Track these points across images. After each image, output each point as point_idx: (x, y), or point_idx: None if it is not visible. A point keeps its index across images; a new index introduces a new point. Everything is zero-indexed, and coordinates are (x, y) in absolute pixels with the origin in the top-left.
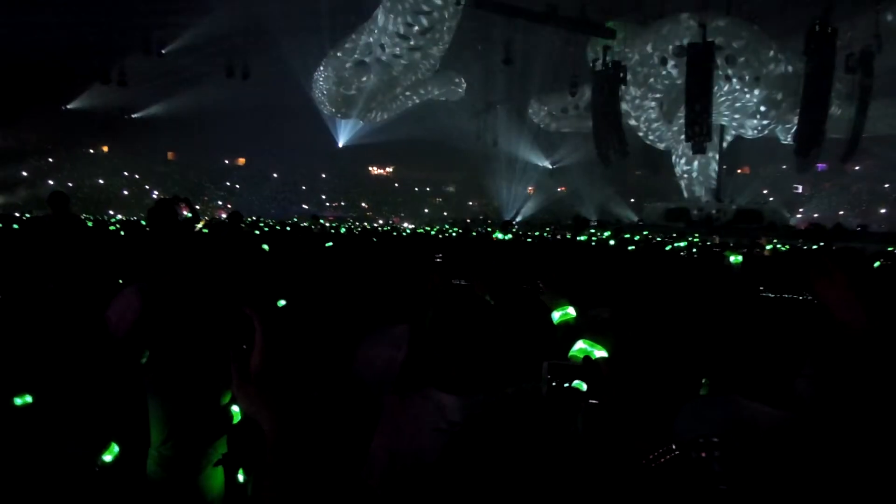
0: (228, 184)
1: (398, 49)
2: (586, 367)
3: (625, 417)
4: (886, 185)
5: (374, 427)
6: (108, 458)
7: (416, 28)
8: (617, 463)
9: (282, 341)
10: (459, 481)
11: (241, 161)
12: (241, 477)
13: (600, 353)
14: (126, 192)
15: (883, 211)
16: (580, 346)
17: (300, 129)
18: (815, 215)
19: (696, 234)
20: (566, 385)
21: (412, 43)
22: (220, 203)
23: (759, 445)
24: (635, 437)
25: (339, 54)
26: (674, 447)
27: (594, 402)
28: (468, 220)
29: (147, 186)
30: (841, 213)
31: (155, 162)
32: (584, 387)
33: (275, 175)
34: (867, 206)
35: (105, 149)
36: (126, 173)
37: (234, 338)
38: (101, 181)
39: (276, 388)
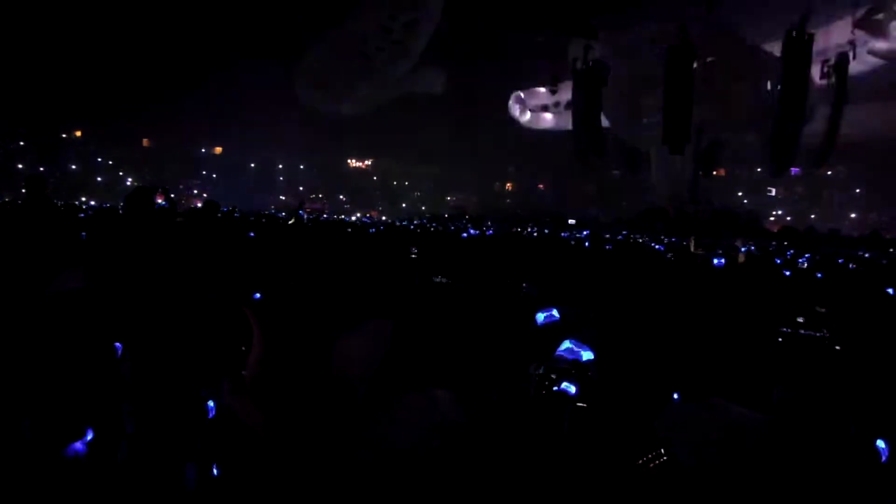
0: (205, 173)
1: (380, 42)
2: (574, 369)
3: (611, 420)
4: (857, 190)
5: (355, 422)
6: (79, 445)
7: (399, 21)
8: (604, 464)
9: (280, 343)
10: (461, 477)
11: (218, 150)
12: (214, 471)
13: (587, 354)
14: (99, 179)
15: (853, 215)
16: (567, 345)
17: (279, 120)
18: (788, 218)
19: (673, 237)
20: (553, 388)
21: (394, 36)
22: (195, 192)
23: (747, 449)
24: (621, 439)
25: (321, 46)
26: (662, 451)
27: (582, 405)
28: (446, 216)
29: (121, 173)
30: (812, 216)
31: (129, 148)
32: (572, 389)
33: (252, 165)
34: (839, 210)
35: (78, 133)
36: (100, 159)
37: (226, 336)
38: (73, 167)
39: (272, 393)
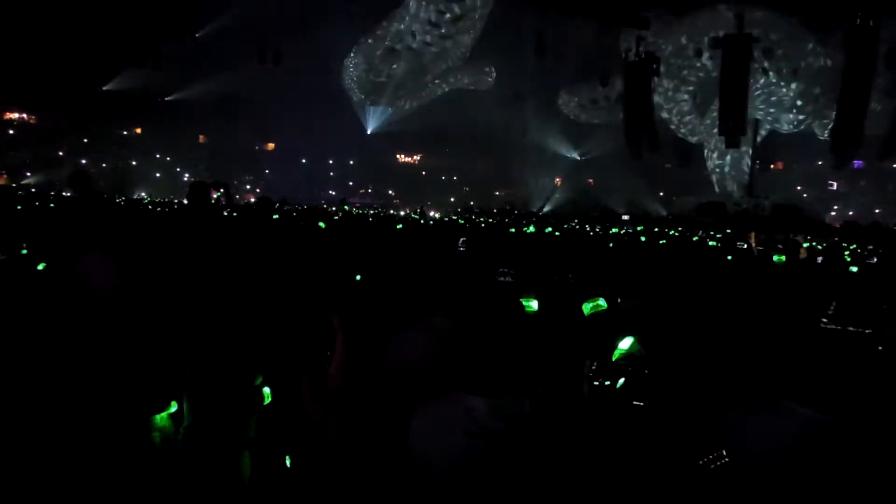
0: (257, 168)
1: (429, 37)
2: (631, 366)
3: (670, 419)
4: None
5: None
6: (164, 416)
7: (448, 16)
8: (664, 465)
9: (365, 350)
10: (503, 487)
11: (271, 146)
12: (287, 462)
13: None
14: (157, 175)
15: None
16: (628, 342)
17: (330, 115)
18: (851, 213)
19: (729, 230)
20: (608, 384)
21: (443, 31)
22: (248, 187)
23: (815, 451)
24: (681, 440)
25: (370, 41)
26: (724, 453)
27: (638, 403)
28: (495, 210)
29: (178, 169)
30: (877, 211)
31: (186, 145)
32: (630, 389)
33: (303, 161)
34: None
35: (138, 130)
36: (157, 155)
37: (310, 342)
38: (133, 162)
39: (353, 403)
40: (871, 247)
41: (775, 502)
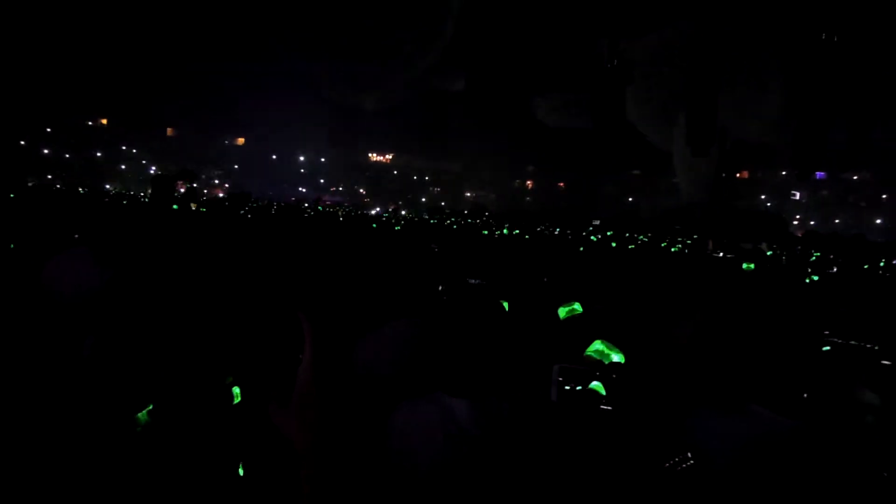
0: (226, 163)
1: (403, 36)
2: (599, 371)
3: (638, 422)
4: (884, 196)
5: (380, 427)
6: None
7: (423, 16)
8: (631, 467)
9: (334, 354)
10: (483, 487)
11: (241, 141)
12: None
13: (616, 356)
14: (123, 167)
15: (879, 221)
16: (597, 347)
17: (301, 113)
18: (812, 223)
19: (696, 236)
20: (577, 389)
21: (417, 31)
22: (216, 182)
23: (776, 457)
24: (648, 443)
25: (345, 39)
26: (689, 455)
27: (607, 407)
28: (466, 211)
29: (144, 162)
30: (837, 221)
31: (154, 137)
32: (599, 392)
33: (273, 157)
34: (864, 216)
35: (104, 121)
36: (123, 147)
37: (280, 343)
38: (98, 154)
39: (321, 409)
40: (831, 256)
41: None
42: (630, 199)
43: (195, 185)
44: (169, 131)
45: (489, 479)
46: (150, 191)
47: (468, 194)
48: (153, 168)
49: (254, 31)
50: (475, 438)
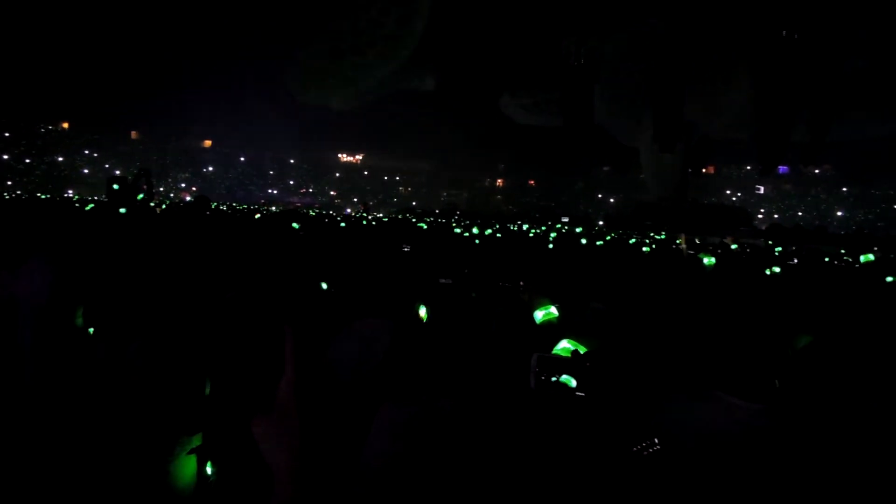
0: (194, 166)
1: (372, 36)
2: (574, 360)
3: (609, 409)
4: (844, 189)
5: (353, 428)
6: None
7: (391, 16)
8: (601, 452)
9: (315, 366)
10: (463, 480)
11: (208, 143)
12: (209, 469)
13: (584, 349)
14: (86, 171)
15: (840, 213)
16: (564, 344)
17: (270, 115)
18: (776, 216)
19: (663, 233)
20: (554, 378)
21: (386, 31)
22: (183, 185)
23: (746, 438)
24: (618, 428)
25: (312, 39)
26: (656, 440)
27: (581, 394)
28: (437, 211)
29: (107, 166)
30: (800, 213)
31: (117, 141)
32: (573, 381)
33: (241, 159)
34: (825, 208)
35: (65, 125)
36: (86, 152)
37: (259, 352)
38: (60, 159)
39: (301, 422)
40: (793, 247)
41: (709, 486)
42: (600, 196)
43: (150, 185)
44: (133, 134)
45: (469, 476)
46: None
47: (444, 195)
48: (118, 172)
49: (220, 33)
50: (459, 434)
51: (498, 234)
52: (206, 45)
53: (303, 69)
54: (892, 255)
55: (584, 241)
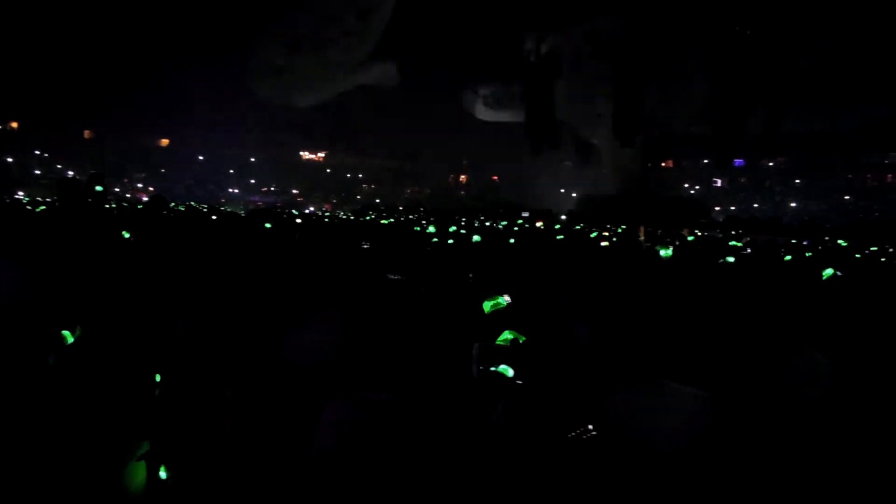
0: (151, 165)
1: (333, 32)
2: (513, 349)
3: (548, 398)
4: (797, 181)
5: (309, 413)
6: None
7: (353, 11)
8: (538, 438)
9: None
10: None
11: (165, 142)
12: (163, 473)
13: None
14: (38, 172)
15: (793, 205)
16: (506, 335)
17: (229, 112)
18: (732, 208)
19: (623, 226)
20: (493, 369)
21: (347, 26)
22: (140, 185)
23: (682, 424)
24: (556, 416)
25: (272, 35)
26: (591, 427)
27: (519, 382)
28: (401, 207)
29: (59, 166)
30: (755, 205)
31: (70, 140)
32: (510, 371)
33: (200, 157)
34: (780, 200)
35: (14, 125)
36: (37, 152)
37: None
38: (9, 159)
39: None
40: (748, 238)
41: (658, 471)
42: (563, 191)
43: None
44: (86, 133)
45: (408, 468)
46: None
47: (408, 191)
48: (70, 172)
49: (175, 28)
50: (398, 430)
51: (462, 231)
52: (161, 41)
53: (262, 65)
54: (840, 244)
55: (543, 235)
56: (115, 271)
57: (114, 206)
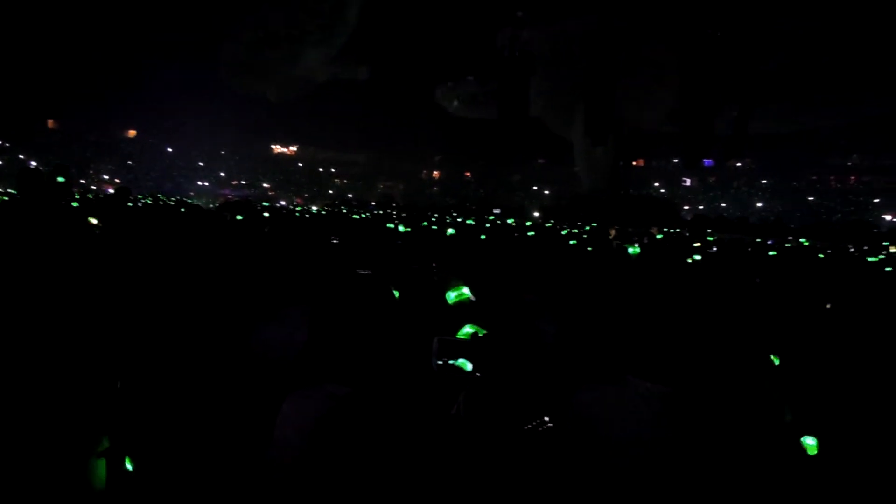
0: (118, 157)
1: (306, 25)
2: (473, 343)
3: (506, 391)
4: (764, 181)
5: (273, 409)
6: None
7: (327, 3)
8: (495, 430)
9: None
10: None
11: (132, 133)
12: (129, 465)
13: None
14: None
15: (760, 204)
16: (466, 329)
17: (198, 103)
18: (701, 207)
19: (595, 223)
20: (452, 362)
21: (321, 19)
22: (106, 178)
23: (645, 419)
24: (514, 409)
25: (245, 27)
26: (546, 419)
27: (478, 374)
28: (373, 203)
29: (22, 156)
30: (723, 205)
31: (33, 130)
32: (469, 365)
33: (169, 150)
34: (747, 200)
35: None
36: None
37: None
38: None
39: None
40: (716, 237)
41: (618, 464)
42: (535, 188)
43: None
44: (50, 123)
45: (369, 464)
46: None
47: (381, 186)
48: (33, 163)
49: (145, 17)
50: (357, 422)
51: (434, 227)
52: (130, 30)
53: (234, 57)
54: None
55: (515, 232)
56: (75, 265)
57: (77, 197)
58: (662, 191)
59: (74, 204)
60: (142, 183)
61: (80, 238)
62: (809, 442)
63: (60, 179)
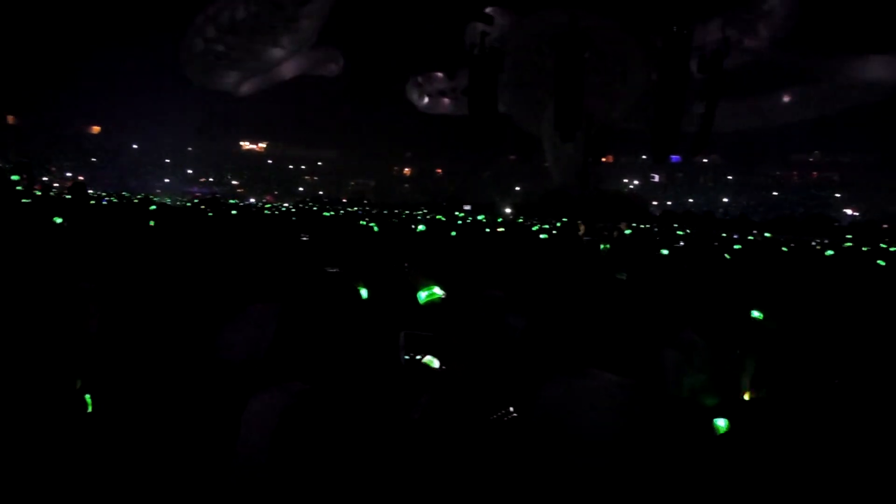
0: (80, 153)
1: (272, 18)
2: (438, 337)
3: (472, 382)
4: (730, 177)
5: (241, 409)
6: None
7: None
8: (461, 421)
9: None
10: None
11: (96, 129)
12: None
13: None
14: None
15: (725, 200)
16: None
17: (164, 99)
18: (669, 203)
19: (565, 219)
20: (419, 357)
21: (287, 12)
22: (69, 174)
23: (606, 411)
24: (479, 400)
25: (208, 19)
26: (511, 409)
27: (443, 367)
28: (345, 200)
29: None
30: (690, 200)
31: None
32: (434, 363)
33: (134, 146)
34: (713, 195)
35: None
36: None
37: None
38: None
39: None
40: (686, 231)
41: (582, 455)
42: (506, 184)
43: (30, 177)
44: (10, 119)
45: (334, 460)
46: None
47: (352, 183)
48: None
49: (108, 10)
50: (325, 422)
51: (411, 225)
52: (92, 21)
53: (198, 50)
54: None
55: (486, 230)
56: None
57: (38, 194)
58: (631, 186)
59: (26, 200)
60: (105, 180)
61: (34, 235)
62: (720, 423)
63: (14, 178)
